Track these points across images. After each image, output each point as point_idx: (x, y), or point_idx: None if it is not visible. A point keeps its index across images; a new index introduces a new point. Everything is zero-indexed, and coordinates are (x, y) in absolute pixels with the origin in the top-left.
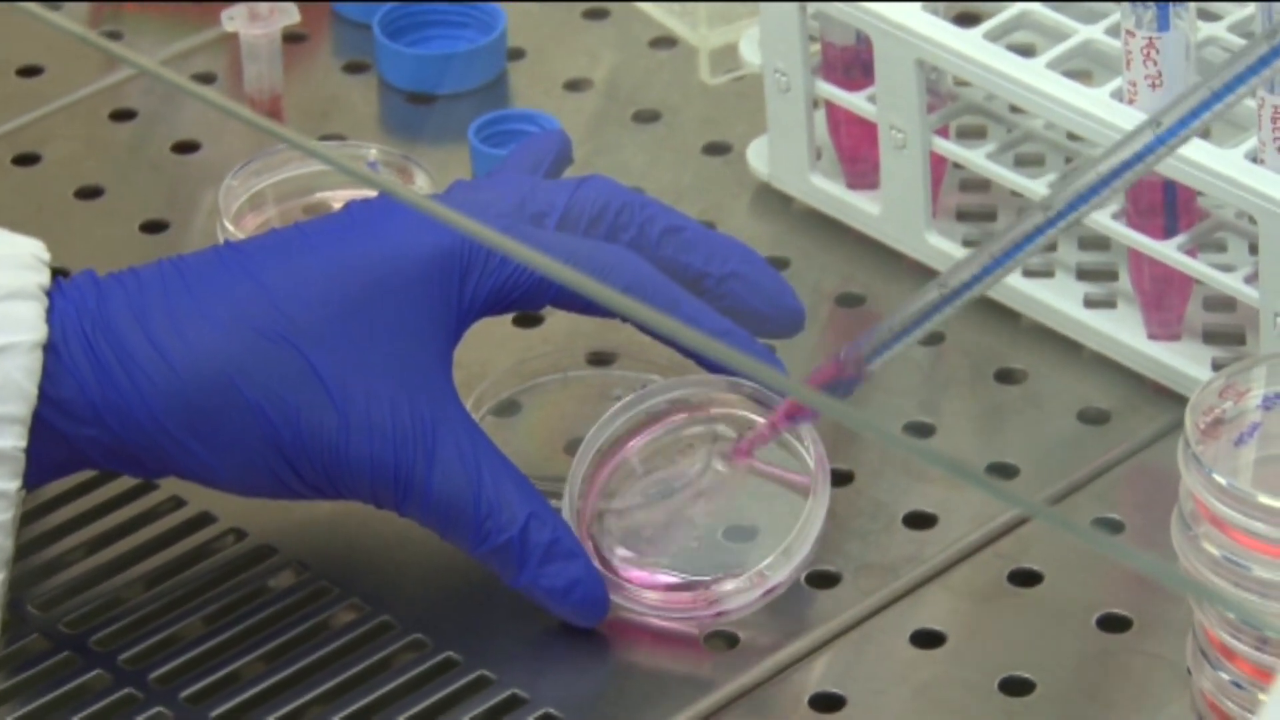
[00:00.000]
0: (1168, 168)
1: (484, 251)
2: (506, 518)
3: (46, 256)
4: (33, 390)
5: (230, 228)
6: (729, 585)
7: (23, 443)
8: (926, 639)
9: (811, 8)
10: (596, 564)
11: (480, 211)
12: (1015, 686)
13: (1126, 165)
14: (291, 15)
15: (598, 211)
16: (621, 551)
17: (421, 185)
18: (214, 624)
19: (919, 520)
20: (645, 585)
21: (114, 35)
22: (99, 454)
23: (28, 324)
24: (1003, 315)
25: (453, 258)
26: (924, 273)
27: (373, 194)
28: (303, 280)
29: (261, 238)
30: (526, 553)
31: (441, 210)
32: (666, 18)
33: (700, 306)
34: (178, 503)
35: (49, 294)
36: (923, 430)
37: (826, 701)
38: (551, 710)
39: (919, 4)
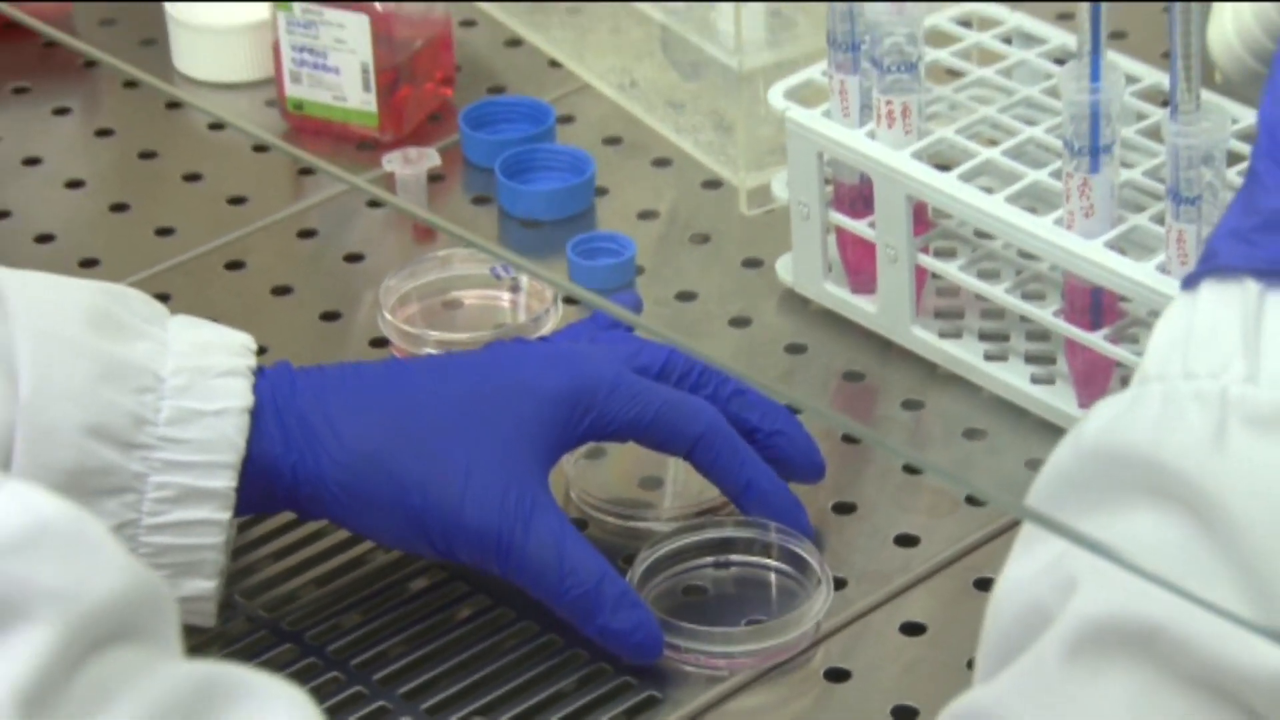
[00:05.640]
0: (1096, 276)
1: (601, 396)
2: (585, 575)
3: (254, 346)
4: (242, 444)
5: (389, 317)
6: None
7: (234, 484)
8: (912, 629)
9: (826, 154)
10: None
11: (601, 359)
12: None
13: None
14: (434, 159)
15: (686, 371)
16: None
17: (530, 283)
18: (371, 613)
19: (906, 540)
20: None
21: (307, 172)
22: (285, 501)
23: (239, 394)
24: (969, 388)
25: (578, 396)
26: (910, 357)
27: (496, 292)
28: (447, 397)
29: (424, 359)
30: (601, 602)
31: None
32: (715, 164)
33: (755, 457)
34: None
35: (255, 374)
36: (912, 470)
37: (836, 674)
38: (603, 663)
39: (909, 150)
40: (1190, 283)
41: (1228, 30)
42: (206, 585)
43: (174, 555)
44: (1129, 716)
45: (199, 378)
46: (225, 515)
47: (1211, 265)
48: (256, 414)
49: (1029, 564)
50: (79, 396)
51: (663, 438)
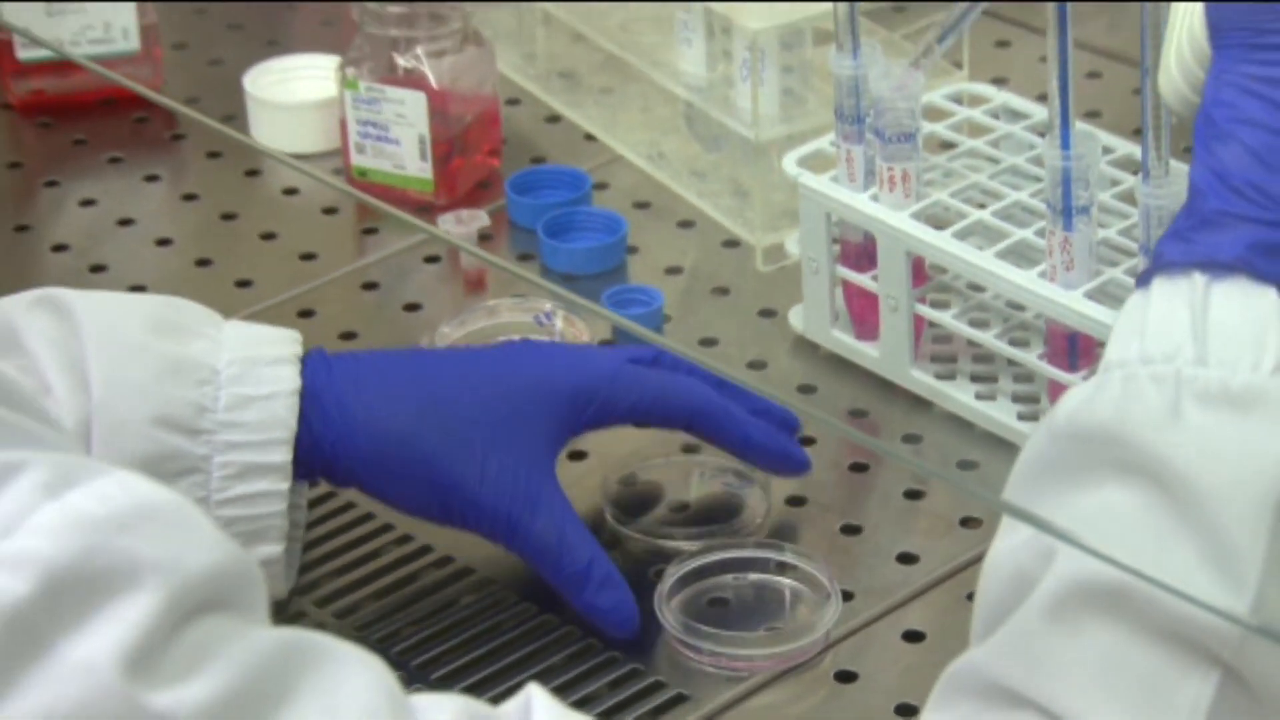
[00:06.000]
0: (1076, 323)
1: (604, 386)
2: (578, 556)
3: (299, 337)
4: (293, 423)
5: None
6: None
7: (289, 457)
8: (912, 637)
9: (834, 215)
10: (676, 633)
11: (602, 355)
12: None
13: None
14: (483, 220)
15: (675, 365)
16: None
17: (568, 329)
18: (428, 621)
19: (907, 558)
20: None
21: (370, 231)
22: (322, 472)
23: (288, 379)
24: (963, 425)
25: (582, 388)
26: (909, 396)
27: (538, 337)
28: (471, 381)
29: (445, 351)
30: (588, 580)
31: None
32: (734, 225)
33: (746, 417)
34: (406, 539)
35: (301, 361)
36: (915, 494)
37: (844, 676)
38: (637, 664)
39: (908, 211)
40: (1143, 281)
41: (1173, 73)
42: (274, 549)
43: (242, 525)
44: (1105, 667)
45: (250, 367)
46: (284, 485)
47: (1159, 264)
48: (305, 398)
49: (1013, 538)
50: (145, 392)
51: (662, 416)
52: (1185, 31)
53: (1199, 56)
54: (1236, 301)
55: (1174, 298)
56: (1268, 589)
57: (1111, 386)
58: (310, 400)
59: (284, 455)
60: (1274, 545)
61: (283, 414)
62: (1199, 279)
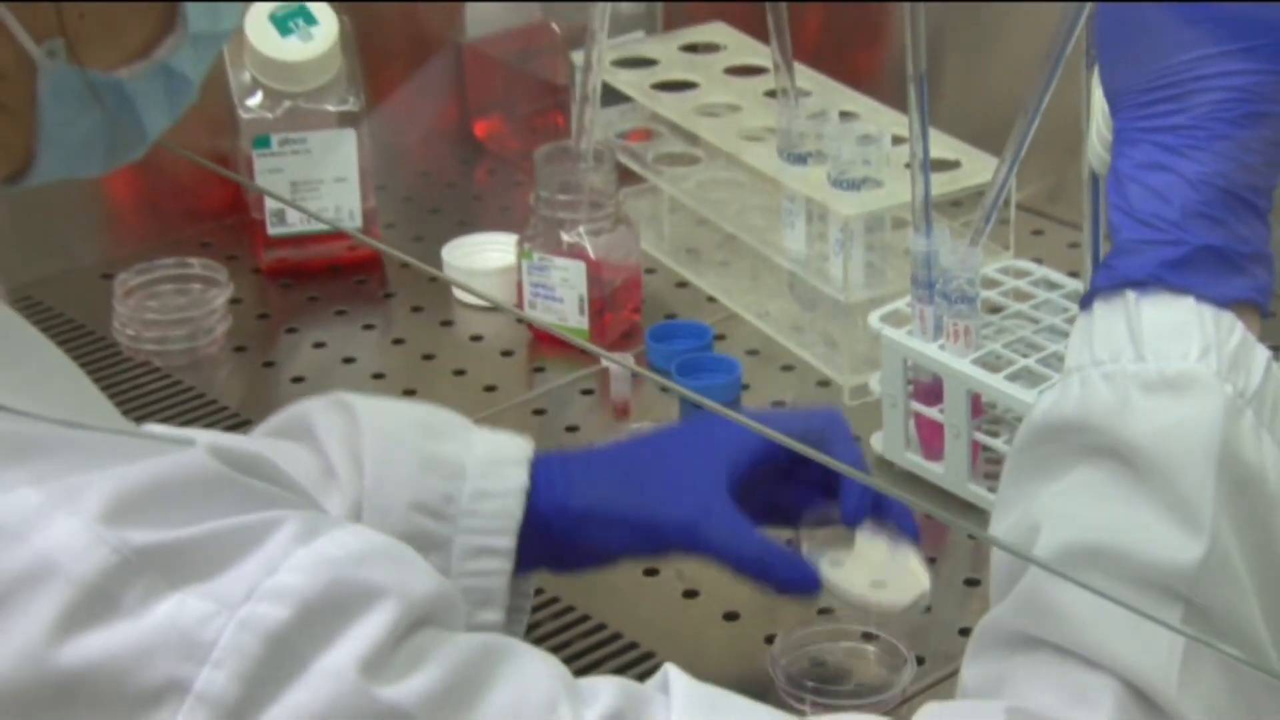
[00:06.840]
0: None
1: (781, 459)
2: (761, 551)
3: (531, 443)
4: (519, 515)
5: None
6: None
7: (513, 543)
8: None
9: (909, 360)
10: (784, 687)
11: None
12: None
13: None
14: (628, 362)
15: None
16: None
17: None
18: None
19: (966, 632)
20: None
21: (540, 369)
22: (546, 558)
23: (519, 479)
24: None
25: (757, 455)
26: (968, 506)
27: None
28: (662, 453)
29: (652, 434)
30: (778, 563)
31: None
32: (826, 369)
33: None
34: (583, 619)
35: (532, 463)
36: (973, 582)
37: None
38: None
39: (969, 358)
40: (1085, 304)
41: (1095, 145)
42: (496, 616)
43: (472, 595)
44: (1100, 609)
45: (492, 467)
46: (508, 565)
47: (1092, 290)
48: (531, 495)
49: (1005, 521)
50: (406, 483)
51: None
52: (1099, 109)
53: (1110, 126)
54: (1162, 309)
55: (1111, 312)
56: (1220, 528)
57: (1072, 387)
58: (544, 503)
59: (509, 542)
60: (1220, 493)
61: (513, 508)
62: (1130, 295)
